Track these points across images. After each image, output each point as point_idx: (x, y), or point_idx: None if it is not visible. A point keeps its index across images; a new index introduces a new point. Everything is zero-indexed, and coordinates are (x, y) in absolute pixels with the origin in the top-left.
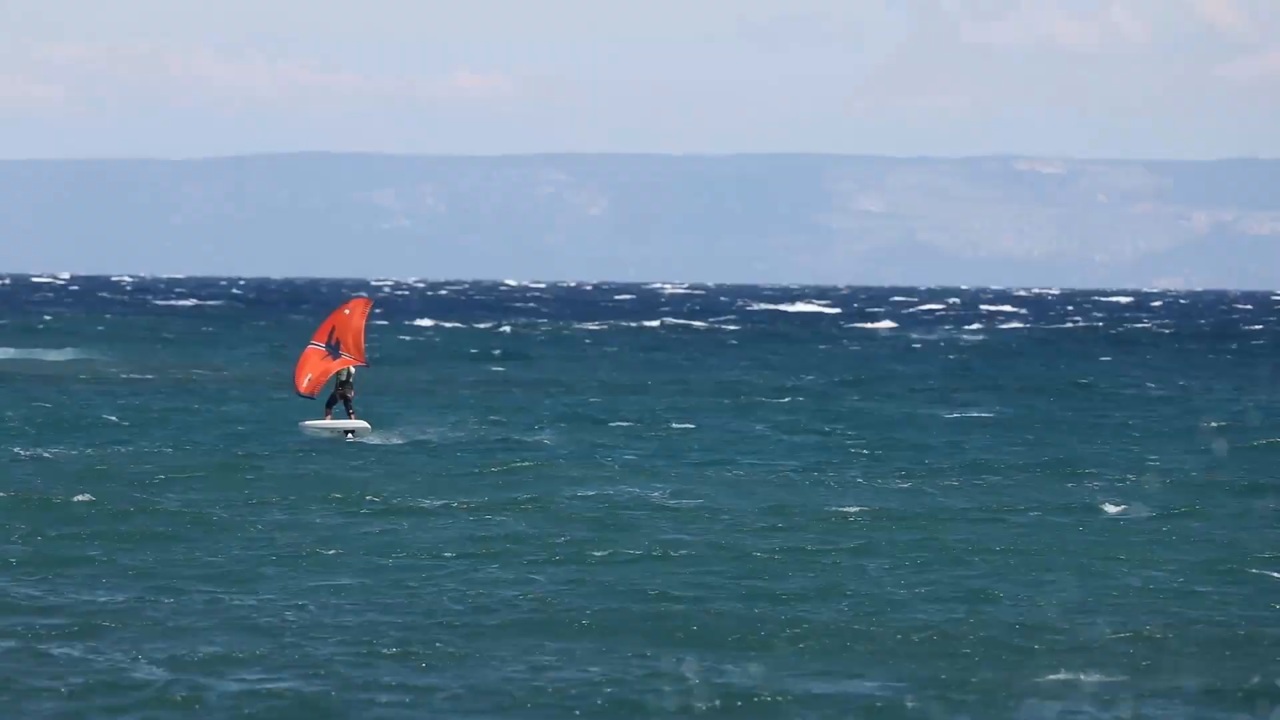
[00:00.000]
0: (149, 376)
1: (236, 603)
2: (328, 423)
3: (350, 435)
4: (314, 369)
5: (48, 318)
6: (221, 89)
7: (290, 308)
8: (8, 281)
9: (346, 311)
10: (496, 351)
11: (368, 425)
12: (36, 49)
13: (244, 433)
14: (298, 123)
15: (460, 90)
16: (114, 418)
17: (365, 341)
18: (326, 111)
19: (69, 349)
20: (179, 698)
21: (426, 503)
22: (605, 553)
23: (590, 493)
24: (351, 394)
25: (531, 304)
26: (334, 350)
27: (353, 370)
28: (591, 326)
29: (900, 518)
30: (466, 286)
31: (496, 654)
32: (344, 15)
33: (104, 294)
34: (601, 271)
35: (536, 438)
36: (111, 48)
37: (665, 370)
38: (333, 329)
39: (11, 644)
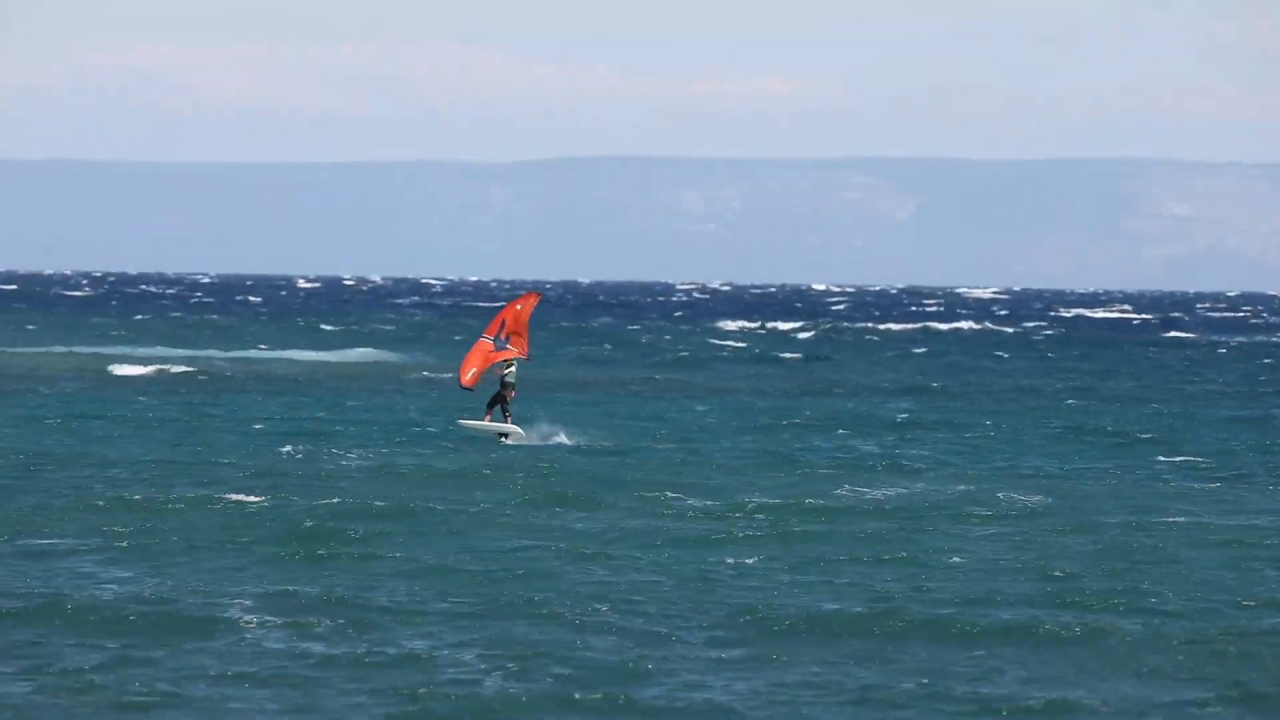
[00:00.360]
0: (445, 375)
1: (535, 597)
2: (485, 424)
3: (504, 438)
4: (477, 361)
5: (356, 319)
6: (529, 92)
7: (599, 310)
8: (319, 284)
9: (519, 306)
10: (800, 354)
11: (521, 431)
12: (327, 52)
13: None
14: (604, 126)
15: (766, 94)
16: (414, 416)
17: (530, 335)
18: (633, 115)
19: (374, 349)
20: (489, 691)
21: (725, 502)
22: (903, 554)
23: (889, 493)
24: (511, 395)
25: (838, 306)
26: (501, 344)
27: (513, 372)
28: (896, 329)
29: (1207, 522)
30: (772, 290)
31: (800, 655)
32: (650, 19)
33: (415, 296)
34: (907, 275)
35: (837, 440)
36: (409, 50)
37: (969, 373)
38: (503, 322)
39: (306, 640)
